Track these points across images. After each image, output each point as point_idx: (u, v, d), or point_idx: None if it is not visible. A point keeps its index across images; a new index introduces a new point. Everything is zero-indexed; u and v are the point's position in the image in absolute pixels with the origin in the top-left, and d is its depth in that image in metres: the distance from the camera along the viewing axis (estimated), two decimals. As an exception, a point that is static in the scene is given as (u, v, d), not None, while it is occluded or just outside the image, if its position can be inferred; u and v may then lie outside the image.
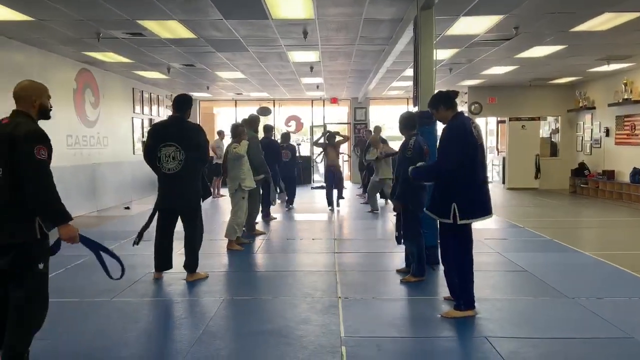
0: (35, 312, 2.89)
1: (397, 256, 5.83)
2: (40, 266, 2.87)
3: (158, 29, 7.45)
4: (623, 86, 11.61)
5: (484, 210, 3.95)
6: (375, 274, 5.41)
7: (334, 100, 17.23)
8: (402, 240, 5.08)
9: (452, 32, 7.69)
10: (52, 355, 3.34)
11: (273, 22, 7.05)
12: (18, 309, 2.82)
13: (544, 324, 3.86)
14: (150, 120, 13.84)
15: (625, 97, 11.55)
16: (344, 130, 16.82)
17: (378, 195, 10.29)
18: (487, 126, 17.31)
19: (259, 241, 7.23)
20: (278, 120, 17.71)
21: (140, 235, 4.97)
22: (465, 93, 14.99)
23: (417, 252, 4.98)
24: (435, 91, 4.41)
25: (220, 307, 4.31)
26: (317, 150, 14.00)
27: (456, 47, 8.87)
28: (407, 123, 5.02)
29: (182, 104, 5.10)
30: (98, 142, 10.96)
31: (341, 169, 11.33)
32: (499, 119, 16.24)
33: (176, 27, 7.26)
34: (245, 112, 14.65)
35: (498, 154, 16.47)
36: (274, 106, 17.16)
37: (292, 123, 18.01)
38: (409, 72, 10.77)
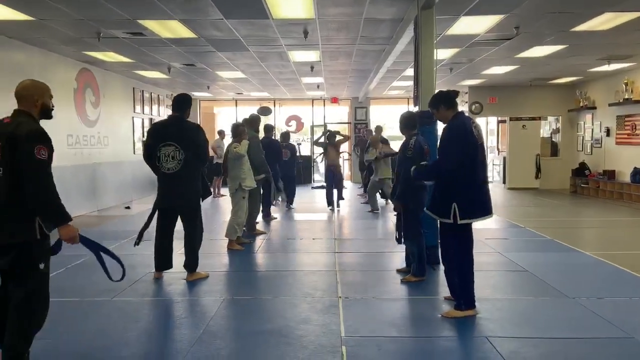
0: (35, 312, 2.88)
1: (398, 256, 5.83)
2: (41, 266, 2.86)
3: (158, 29, 7.45)
4: (624, 86, 11.60)
5: (484, 210, 3.95)
6: (376, 274, 5.41)
7: (334, 100, 17.23)
8: (403, 240, 5.08)
9: (453, 32, 7.69)
10: (53, 355, 3.34)
11: (273, 21, 7.04)
12: (18, 308, 2.82)
13: (545, 324, 3.86)
14: (151, 119, 13.84)
15: (626, 97, 11.54)
16: (344, 130, 16.82)
17: (378, 195, 10.29)
18: (488, 126, 17.30)
19: (259, 241, 7.23)
20: (278, 120, 17.71)
21: (140, 236, 4.98)
22: (466, 93, 14.99)
23: (418, 252, 4.98)
24: (436, 91, 4.41)
25: (220, 307, 4.31)
26: (318, 150, 13.99)
27: (457, 46, 8.87)
28: (408, 123, 5.02)
29: (182, 103, 5.10)
30: (98, 142, 10.96)
31: (341, 169, 11.33)
32: (499, 118, 16.23)
33: (177, 26, 7.26)
34: (245, 111, 14.66)
35: (499, 154, 16.46)
36: (274, 106, 17.16)
37: (293, 123, 18.01)
38: (410, 71, 10.76)
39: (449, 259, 4.12)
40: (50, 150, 2.83)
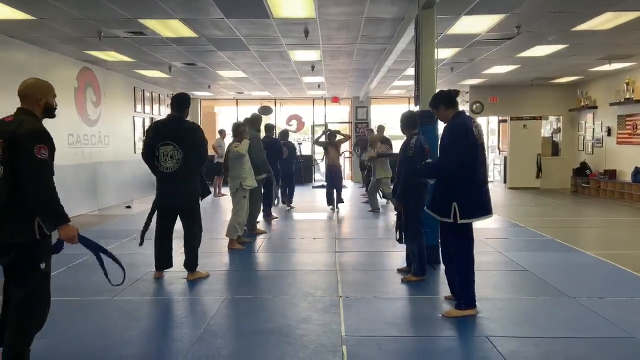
0: (35, 312, 2.87)
1: (398, 255, 5.82)
2: (42, 265, 2.85)
3: (159, 28, 7.45)
4: (625, 85, 11.59)
5: (484, 210, 3.95)
6: (376, 273, 5.41)
7: (335, 100, 17.22)
8: (403, 240, 5.08)
9: (454, 31, 7.68)
10: (53, 354, 3.34)
11: (274, 21, 7.04)
12: (18, 308, 2.81)
13: (545, 324, 3.86)
14: (152, 119, 13.83)
15: (627, 96, 11.53)
16: (345, 129, 16.82)
17: (378, 194, 10.28)
18: (489, 125, 17.29)
19: (259, 240, 7.23)
20: (279, 120, 17.71)
21: (142, 237, 5.02)
22: (467, 92, 14.98)
23: (418, 252, 4.98)
24: (437, 90, 4.41)
25: (221, 306, 4.32)
26: (319, 150, 13.97)
27: (457, 46, 8.86)
28: (409, 122, 5.02)
29: (181, 103, 5.09)
30: (99, 141, 10.97)
31: (342, 169, 11.31)
32: (500, 118, 16.23)
33: (177, 26, 7.26)
34: (246, 111, 14.68)
35: (499, 153, 16.45)
36: (275, 105, 17.16)
37: (294, 122, 18.02)
38: (410, 71, 10.75)
39: (449, 259, 4.12)
40: (51, 149, 2.81)
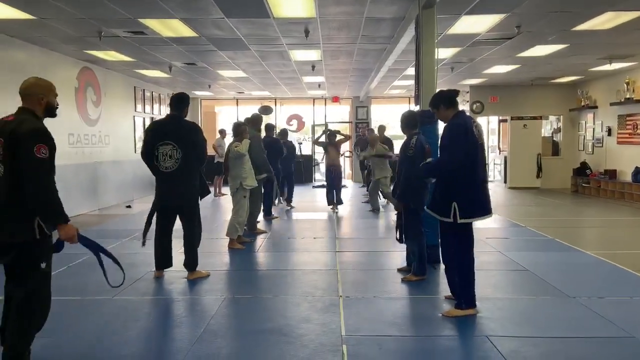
0: (35, 312, 2.88)
1: (398, 255, 5.83)
2: (43, 265, 2.85)
3: (160, 28, 7.45)
4: (625, 85, 11.59)
5: (484, 209, 3.95)
6: (376, 273, 5.41)
7: (335, 99, 17.23)
8: (403, 239, 5.08)
9: (454, 31, 7.68)
10: (54, 353, 3.34)
11: (274, 20, 7.04)
12: (19, 308, 2.82)
13: (545, 323, 3.86)
14: (152, 118, 13.83)
15: (627, 96, 11.53)
16: (345, 129, 16.81)
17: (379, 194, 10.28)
18: (489, 125, 17.29)
19: (260, 240, 7.23)
20: (280, 119, 17.70)
21: (144, 237, 5.04)
22: (467, 92, 14.98)
23: (418, 251, 4.98)
24: (437, 90, 4.41)
25: (221, 306, 4.32)
26: (320, 150, 13.96)
27: (458, 46, 8.86)
28: (409, 122, 5.02)
29: (180, 102, 5.09)
30: (100, 141, 10.97)
31: (342, 169, 11.30)
32: (500, 118, 16.22)
33: (178, 25, 7.26)
34: (246, 110, 14.69)
35: (500, 153, 16.45)
36: (275, 105, 17.16)
37: (294, 122, 18.02)
38: (411, 71, 10.76)
39: (449, 258, 4.13)
40: (52, 149, 2.80)
